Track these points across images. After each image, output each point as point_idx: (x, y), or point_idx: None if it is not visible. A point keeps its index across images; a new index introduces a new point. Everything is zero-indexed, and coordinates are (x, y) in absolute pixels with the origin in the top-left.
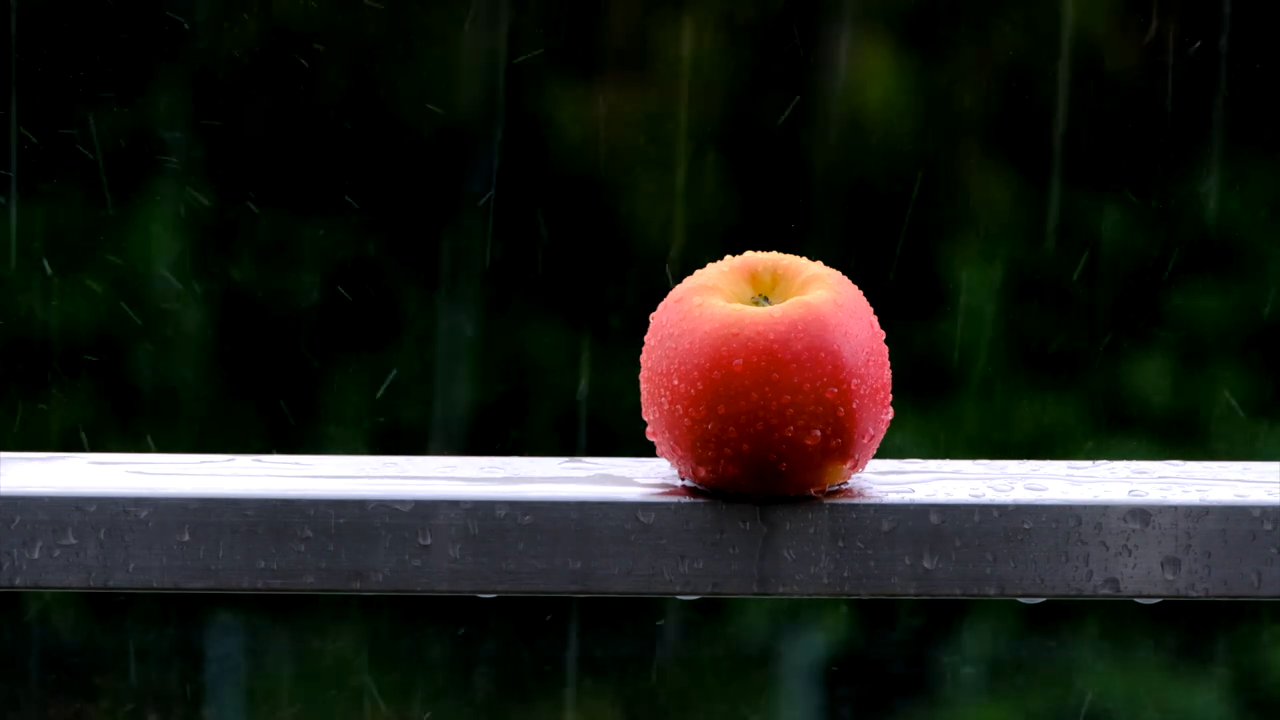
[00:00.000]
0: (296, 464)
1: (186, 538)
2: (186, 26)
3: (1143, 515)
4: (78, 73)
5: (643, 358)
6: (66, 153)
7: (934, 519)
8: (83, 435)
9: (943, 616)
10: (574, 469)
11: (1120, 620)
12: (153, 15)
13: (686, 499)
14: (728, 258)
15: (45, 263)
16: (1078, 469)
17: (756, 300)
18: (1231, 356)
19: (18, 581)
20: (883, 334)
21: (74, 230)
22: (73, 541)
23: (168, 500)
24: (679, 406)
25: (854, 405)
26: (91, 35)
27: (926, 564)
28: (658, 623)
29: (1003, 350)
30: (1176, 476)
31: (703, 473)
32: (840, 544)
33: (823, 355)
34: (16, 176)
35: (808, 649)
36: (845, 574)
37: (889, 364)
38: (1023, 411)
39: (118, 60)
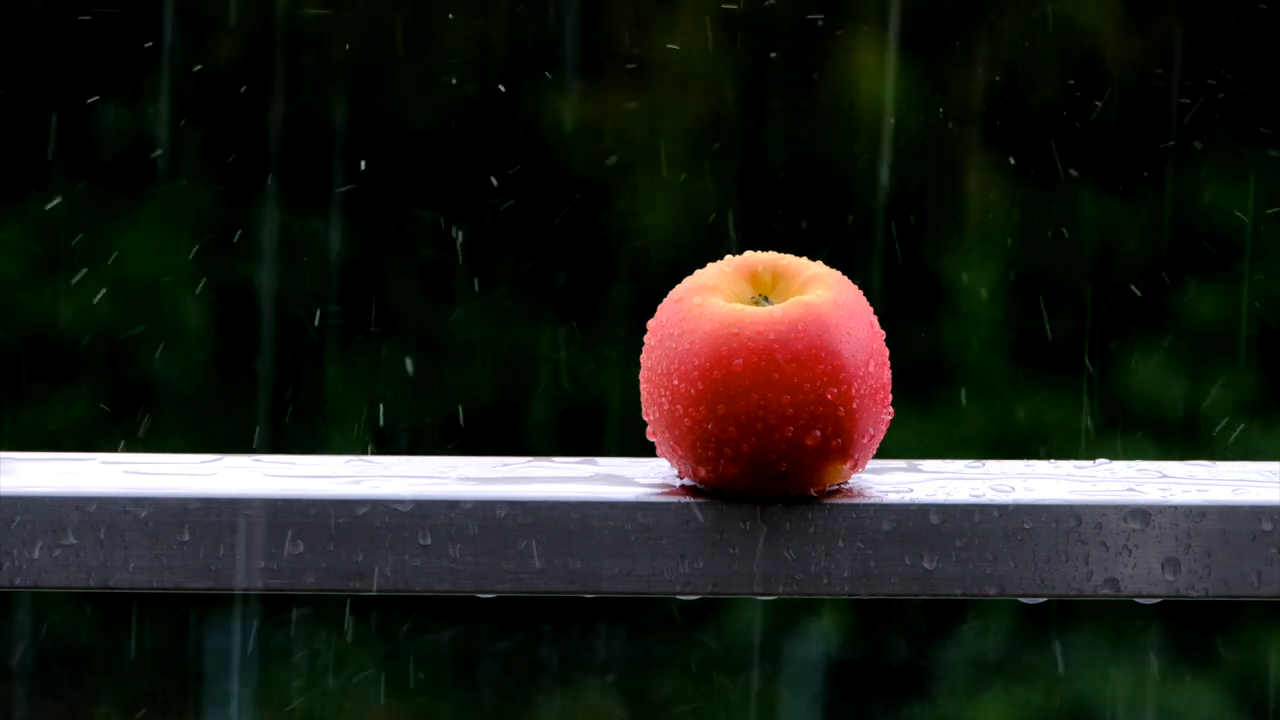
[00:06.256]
0: (296, 464)
1: (186, 538)
2: (188, 26)
3: (1143, 515)
4: (80, 71)
5: (643, 358)
6: (68, 152)
7: (934, 519)
8: (83, 435)
9: (943, 616)
10: (574, 469)
11: (1120, 620)
12: (154, 15)
13: (686, 499)
14: (728, 257)
15: (46, 263)
16: (1078, 469)
17: (756, 300)
18: (1231, 356)
19: (18, 581)
20: (883, 334)
21: (75, 230)
22: (73, 541)
23: (168, 500)
24: (679, 406)
25: (854, 405)
26: (93, 34)
27: (926, 564)
28: (657, 622)
29: (1002, 350)
30: (1176, 476)
31: (703, 473)
32: (840, 544)
33: (823, 355)
34: (17, 176)
35: (808, 649)
36: (845, 574)
37: (889, 364)
38: (1023, 411)
39: (120, 59)
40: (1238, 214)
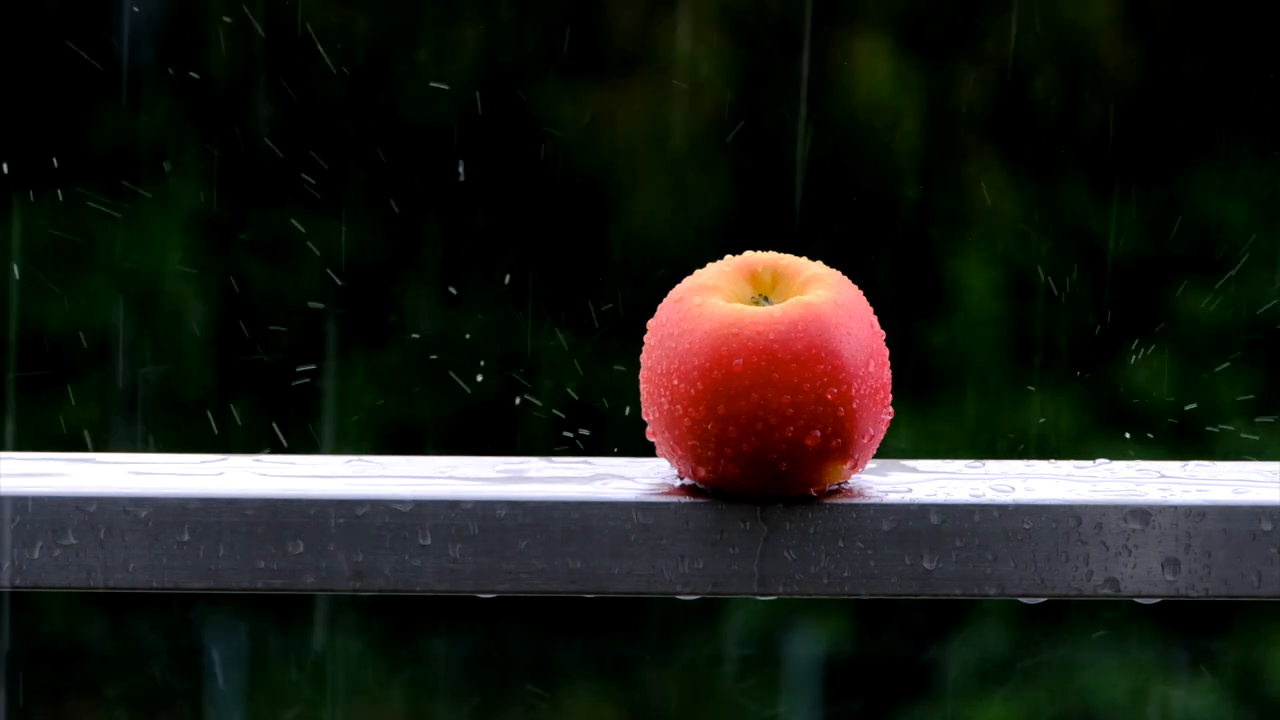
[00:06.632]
0: (296, 464)
1: (186, 538)
2: (189, 27)
3: (1143, 515)
4: (81, 73)
5: (643, 358)
6: (70, 152)
7: (934, 519)
8: (84, 435)
9: (943, 616)
10: (574, 469)
11: (1120, 620)
12: (154, 14)
13: (686, 499)
14: (728, 257)
15: (47, 263)
16: (1078, 469)
17: (756, 300)
18: (1231, 357)
19: (18, 581)
20: (883, 334)
21: (77, 230)
22: (73, 541)
23: (168, 500)
24: (679, 406)
25: (854, 405)
26: (95, 35)
27: (926, 564)
28: (657, 622)
29: (1003, 350)
30: (1176, 476)
31: (703, 473)
32: (840, 544)
33: (823, 355)
34: (19, 176)
35: (808, 649)
36: (845, 574)
37: (889, 364)
38: (1023, 411)
39: (121, 60)
40: (1237, 214)
